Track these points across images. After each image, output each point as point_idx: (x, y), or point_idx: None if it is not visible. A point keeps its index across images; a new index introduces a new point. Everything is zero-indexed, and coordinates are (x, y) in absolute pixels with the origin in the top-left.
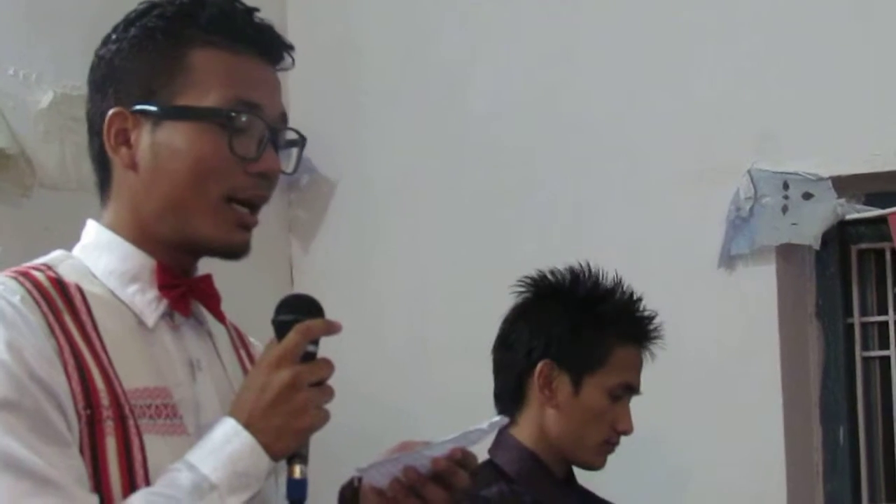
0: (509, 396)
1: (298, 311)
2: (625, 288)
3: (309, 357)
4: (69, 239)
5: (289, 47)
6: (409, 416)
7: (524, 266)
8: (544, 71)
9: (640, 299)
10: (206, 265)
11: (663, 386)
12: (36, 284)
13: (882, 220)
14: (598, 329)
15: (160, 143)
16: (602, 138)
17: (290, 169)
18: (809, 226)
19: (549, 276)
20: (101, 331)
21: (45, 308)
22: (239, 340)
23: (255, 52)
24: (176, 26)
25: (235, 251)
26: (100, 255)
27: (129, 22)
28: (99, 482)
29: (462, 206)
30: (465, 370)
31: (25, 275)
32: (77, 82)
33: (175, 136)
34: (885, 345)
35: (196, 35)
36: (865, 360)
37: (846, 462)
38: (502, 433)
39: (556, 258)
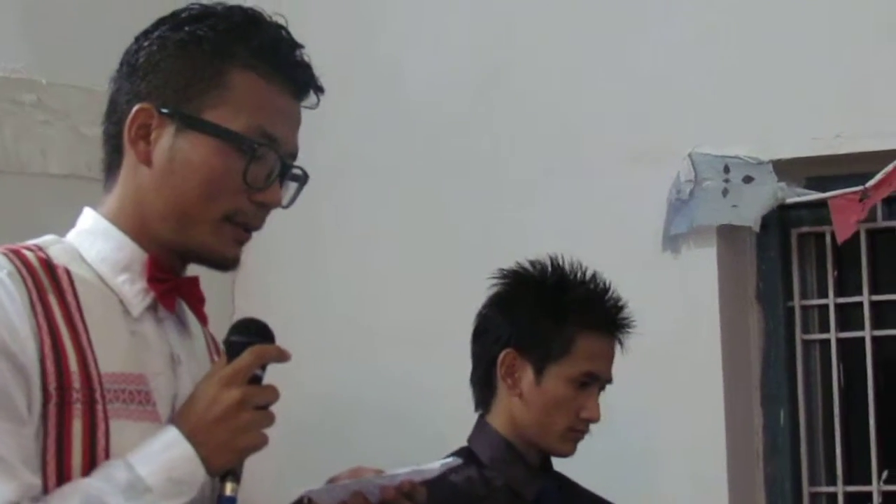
0: (482, 384)
1: (252, 334)
2: (597, 279)
3: (256, 380)
4: (12, 221)
5: (320, 89)
6: (352, 402)
7: (466, 250)
8: (484, 52)
9: (609, 289)
10: None
11: None
12: (25, 263)
13: (822, 203)
14: (559, 318)
15: (179, 150)
16: (542, 120)
17: (286, 202)
18: (750, 208)
19: (523, 268)
20: (84, 313)
21: (31, 286)
22: (213, 345)
23: (289, 87)
24: (225, 42)
25: (226, 264)
26: (94, 242)
27: (179, 22)
28: (62, 464)
29: (403, 190)
30: (409, 355)
31: (16, 253)
32: (17, 65)
33: (196, 147)
34: (825, 328)
35: (241, 55)
36: (805, 342)
37: (786, 444)
38: (480, 421)
39: (498, 241)
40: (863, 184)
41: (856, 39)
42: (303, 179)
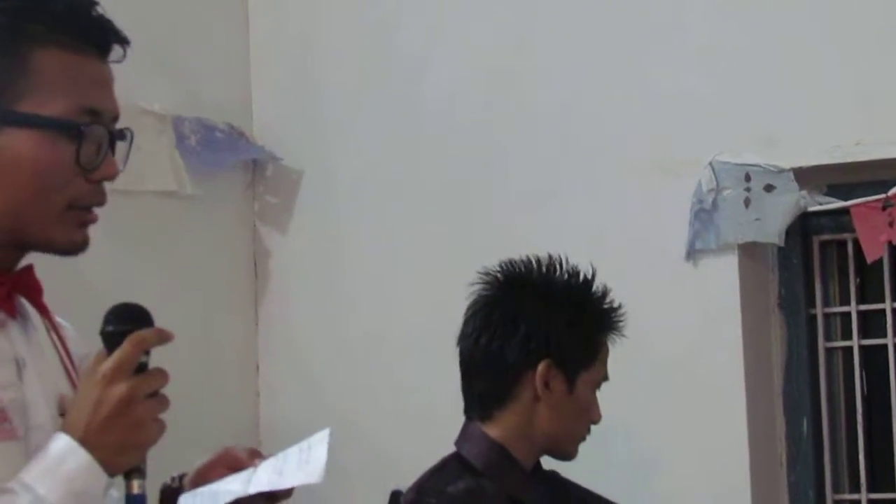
0: (495, 393)
1: (128, 321)
2: (596, 279)
3: (142, 368)
4: None
5: (125, 41)
6: (371, 414)
7: (485, 259)
8: (504, 61)
9: (609, 290)
10: (167, 255)
11: (627, 378)
12: None
13: (844, 211)
14: (591, 326)
15: (2, 150)
16: (563, 129)
17: (121, 166)
18: (773, 221)
19: (514, 268)
20: None
21: None
22: (50, 324)
23: (96, 51)
24: (19, 22)
25: (76, 250)
26: None
27: None
28: None
29: (422, 199)
30: (428, 366)
31: None
32: None
33: (18, 143)
34: (847, 335)
35: (40, 33)
36: (828, 350)
37: (809, 453)
38: (469, 427)
39: (517, 251)
40: (885, 191)
41: (876, 46)
42: (129, 137)
